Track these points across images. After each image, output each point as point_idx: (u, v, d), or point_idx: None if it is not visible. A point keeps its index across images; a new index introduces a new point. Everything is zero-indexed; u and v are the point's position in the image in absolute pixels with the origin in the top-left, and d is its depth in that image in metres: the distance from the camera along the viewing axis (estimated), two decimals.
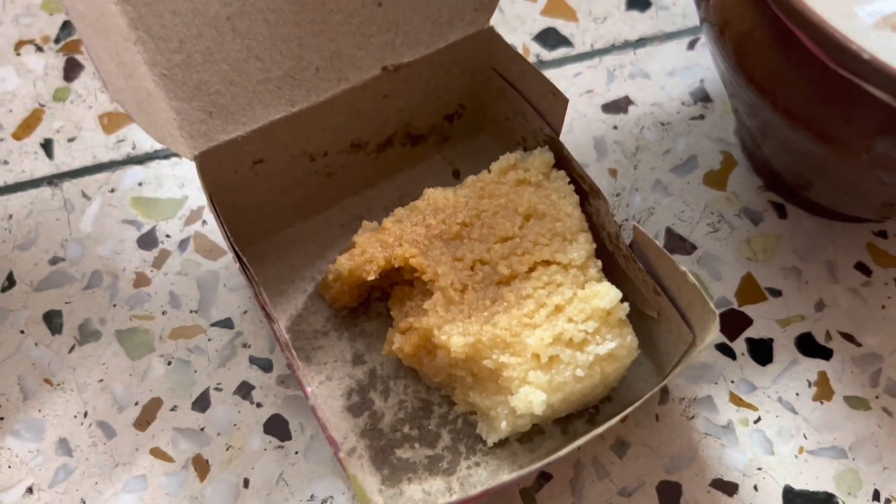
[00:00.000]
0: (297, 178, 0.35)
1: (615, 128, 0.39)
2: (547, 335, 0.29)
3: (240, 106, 0.30)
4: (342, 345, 0.34)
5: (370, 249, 0.32)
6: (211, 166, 0.31)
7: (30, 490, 0.32)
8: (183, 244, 0.37)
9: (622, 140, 0.39)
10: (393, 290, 0.34)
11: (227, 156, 0.31)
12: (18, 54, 0.42)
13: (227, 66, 0.30)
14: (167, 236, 0.37)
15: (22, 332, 0.35)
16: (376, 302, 0.35)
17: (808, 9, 0.25)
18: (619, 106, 0.40)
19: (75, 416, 0.33)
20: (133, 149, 0.39)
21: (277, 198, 0.35)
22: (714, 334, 0.27)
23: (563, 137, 0.38)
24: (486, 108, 0.38)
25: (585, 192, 0.33)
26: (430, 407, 0.33)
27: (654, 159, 0.39)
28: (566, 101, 0.31)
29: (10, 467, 0.32)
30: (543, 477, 0.32)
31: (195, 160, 0.30)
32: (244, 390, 0.34)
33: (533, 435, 0.32)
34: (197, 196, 0.38)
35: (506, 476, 0.31)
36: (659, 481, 0.32)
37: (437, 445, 0.32)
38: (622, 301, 0.30)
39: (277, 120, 0.31)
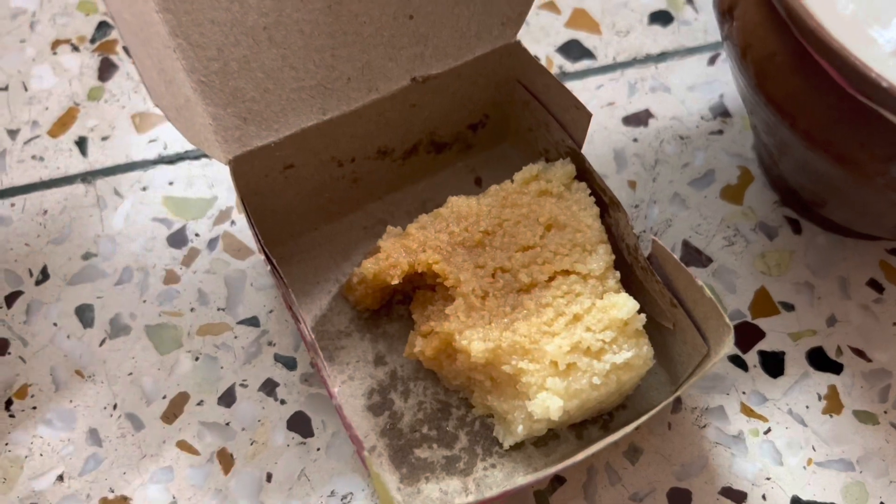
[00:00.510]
0: (325, 183, 0.36)
1: (635, 140, 0.40)
2: (565, 343, 0.30)
3: (273, 113, 0.31)
4: (364, 346, 0.35)
5: (395, 254, 0.33)
6: (244, 170, 0.32)
7: (60, 478, 0.33)
8: (212, 243, 0.38)
9: (642, 153, 0.40)
10: (415, 294, 0.35)
11: (259, 160, 0.32)
12: (55, 53, 0.43)
13: (262, 75, 0.31)
14: (196, 235, 0.38)
15: (55, 324, 0.36)
16: (398, 305, 0.36)
17: (829, 36, 0.26)
18: (639, 119, 0.41)
19: (105, 408, 0.34)
20: (165, 149, 0.40)
21: (305, 201, 0.36)
22: (729, 347, 0.28)
23: (583, 149, 0.39)
24: (509, 118, 0.38)
25: (605, 204, 0.34)
26: (449, 409, 0.34)
27: (672, 172, 0.39)
28: (589, 115, 0.32)
29: (41, 455, 0.34)
30: (557, 480, 0.33)
31: (229, 164, 0.31)
32: (269, 387, 0.35)
33: (548, 439, 0.33)
34: (226, 196, 0.39)
35: (521, 478, 0.32)
36: (669, 488, 0.33)
37: (455, 446, 0.33)
38: (639, 312, 0.31)
39: (309, 127, 0.32)
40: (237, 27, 0.30)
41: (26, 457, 0.34)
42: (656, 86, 0.42)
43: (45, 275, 0.37)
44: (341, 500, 0.33)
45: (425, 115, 0.36)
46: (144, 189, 0.39)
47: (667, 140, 0.40)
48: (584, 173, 0.34)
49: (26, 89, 0.42)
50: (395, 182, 0.38)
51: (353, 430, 0.28)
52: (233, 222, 0.38)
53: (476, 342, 0.31)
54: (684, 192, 0.39)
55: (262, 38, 0.31)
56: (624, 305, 0.31)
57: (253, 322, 0.36)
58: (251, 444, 0.34)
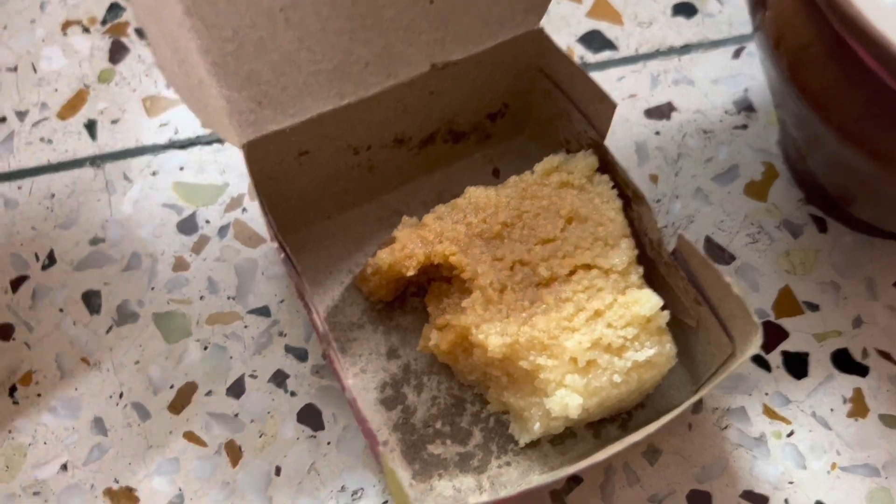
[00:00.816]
0: (340, 170, 0.35)
1: (657, 133, 0.39)
2: (585, 339, 0.29)
3: (289, 97, 0.31)
4: (377, 338, 0.34)
5: (410, 245, 0.32)
6: (258, 155, 0.31)
7: (64, 467, 0.32)
8: (223, 230, 0.37)
9: (664, 146, 0.39)
10: (430, 286, 0.34)
11: (274, 145, 0.31)
12: (65, 34, 0.42)
13: (278, 57, 0.30)
14: (207, 222, 0.37)
15: (61, 310, 0.35)
16: (412, 297, 0.35)
17: (868, 24, 0.25)
18: (661, 112, 0.40)
19: (111, 397, 0.34)
20: (175, 133, 0.39)
21: (319, 188, 0.35)
22: (756, 347, 0.27)
23: (605, 141, 0.38)
24: (529, 108, 0.38)
25: (628, 198, 0.33)
26: (463, 404, 0.33)
27: (695, 167, 0.39)
28: (614, 105, 0.31)
29: (45, 443, 0.33)
30: (574, 480, 0.32)
31: (243, 149, 0.30)
32: (279, 378, 0.34)
33: (565, 437, 0.32)
34: (237, 183, 0.38)
35: (537, 478, 0.31)
36: (689, 490, 0.32)
37: (469, 443, 0.32)
38: (662, 309, 0.30)
39: (325, 112, 0.31)
40: (253, 8, 0.29)
41: (30, 444, 0.33)
42: (679, 78, 0.41)
43: (51, 259, 0.36)
44: (352, 495, 0.32)
45: (444, 103, 0.35)
46: (154, 174, 0.38)
47: (690, 134, 0.39)
48: (607, 166, 0.33)
49: (35, 70, 0.41)
50: (410, 171, 0.37)
51: (368, 423, 0.27)
52: (244, 210, 0.37)
53: (493, 336, 0.30)
54: (707, 187, 0.38)
55: (279, 19, 0.30)
56: (647, 302, 0.30)
57: (263, 312, 0.35)
58: (260, 436, 0.33)
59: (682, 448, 0.33)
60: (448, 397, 0.33)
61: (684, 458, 0.32)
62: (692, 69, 0.41)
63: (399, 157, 0.36)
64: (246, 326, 0.35)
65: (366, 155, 0.35)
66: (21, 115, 0.40)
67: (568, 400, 0.29)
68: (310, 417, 0.33)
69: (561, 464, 0.32)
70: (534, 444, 0.32)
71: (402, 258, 0.32)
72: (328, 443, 0.33)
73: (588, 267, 0.31)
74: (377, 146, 0.35)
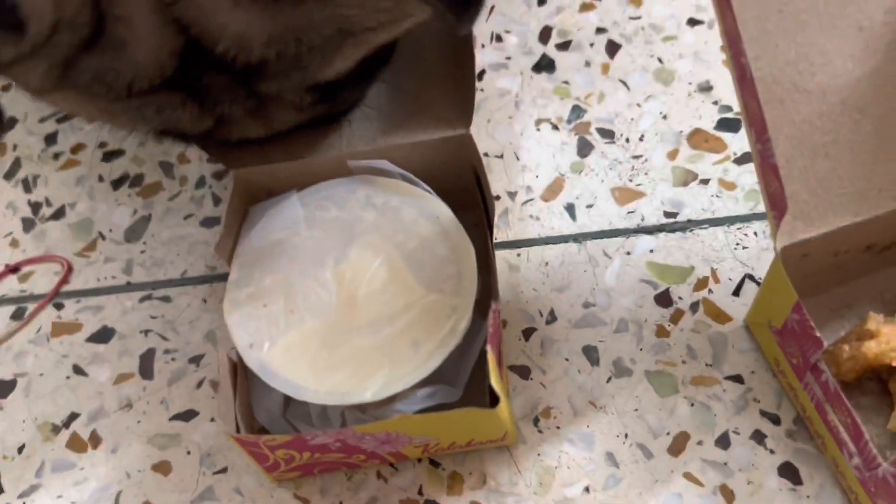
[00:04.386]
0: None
1: None
2: None
3: (818, 213, 0.38)
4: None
5: (894, 340, 0.39)
6: (788, 256, 0.38)
7: (587, 489, 0.40)
8: (693, 306, 0.45)
9: None
10: (893, 372, 0.40)
11: (802, 249, 0.39)
12: (538, 130, 0.51)
13: (815, 182, 0.37)
14: (680, 298, 0.45)
15: (566, 359, 0.44)
16: (867, 380, 0.42)
17: None
18: None
19: (617, 436, 0.42)
20: (642, 220, 0.47)
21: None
22: None
23: None
24: None
25: None
26: None
27: None
28: None
29: (568, 468, 0.41)
30: None
31: (778, 251, 0.38)
32: (758, 437, 0.41)
33: None
34: (701, 267, 0.46)
35: None
36: None
37: None
38: None
39: (841, 227, 0.39)
40: (804, 143, 0.37)
41: (556, 467, 0.41)
42: None
43: (552, 316, 0.45)
44: None
45: None
46: (628, 254, 0.47)
47: None
48: None
49: (518, 158, 0.50)
50: (862, 270, 0.44)
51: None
52: (710, 290, 0.45)
53: None
54: None
55: (820, 153, 0.37)
56: None
57: (737, 379, 0.42)
58: (748, 483, 0.40)
59: None
60: None
61: None
62: None
63: (865, 257, 0.43)
64: (724, 390, 0.42)
65: (842, 257, 0.42)
66: (511, 195, 0.49)
67: None
68: (789, 473, 0.40)
69: None
70: None
71: (887, 350, 0.39)
72: (808, 496, 0.39)
73: None
74: (853, 251, 0.42)
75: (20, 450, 0.45)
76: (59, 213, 0.52)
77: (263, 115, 0.36)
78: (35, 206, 0.53)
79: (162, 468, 0.43)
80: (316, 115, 0.38)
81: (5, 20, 0.29)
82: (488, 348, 0.36)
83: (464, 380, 0.40)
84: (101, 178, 0.53)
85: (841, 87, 0.37)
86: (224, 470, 0.43)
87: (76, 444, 0.44)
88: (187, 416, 0.45)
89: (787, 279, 0.37)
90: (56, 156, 0.55)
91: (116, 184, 0.53)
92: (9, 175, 0.55)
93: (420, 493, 0.41)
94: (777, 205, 0.36)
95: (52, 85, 0.32)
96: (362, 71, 0.35)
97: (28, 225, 0.52)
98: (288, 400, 0.41)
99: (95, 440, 0.44)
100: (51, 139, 0.56)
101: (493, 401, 0.36)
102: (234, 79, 0.33)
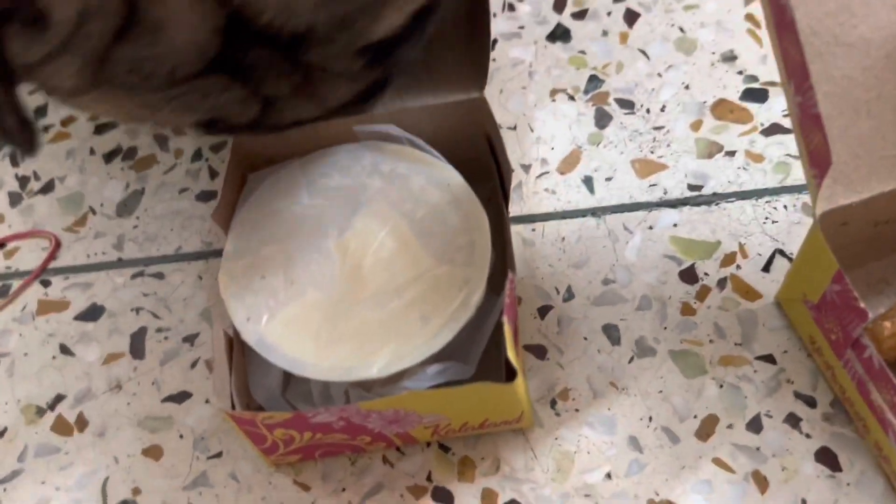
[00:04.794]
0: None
1: None
2: None
3: (860, 177, 0.35)
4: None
5: None
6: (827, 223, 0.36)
7: (608, 476, 0.38)
8: (720, 283, 0.42)
9: None
10: None
11: (844, 216, 0.36)
12: (553, 101, 0.49)
13: (856, 143, 0.35)
14: (706, 274, 0.42)
15: (585, 338, 0.41)
16: None
17: None
18: None
19: (641, 419, 0.39)
20: (665, 193, 0.45)
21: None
22: None
23: None
24: None
25: None
26: None
27: None
28: None
29: (588, 453, 0.38)
30: None
31: (817, 217, 0.35)
32: (792, 420, 0.38)
33: None
34: (728, 242, 0.43)
35: None
36: None
37: None
38: None
39: (886, 192, 0.36)
40: (845, 100, 0.34)
41: (575, 452, 0.38)
42: None
43: (570, 293, 0.42)
44: None
45: None
46: (650, 228, 0.44)
47: None
48: None
49: (532, 130, 0.48)
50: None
51: None
52: (738, 266, 0.42)
53: None
54: None
55: (863, 111, 0.34)
56: None
57: (769, 359, 0.40)
58: (782, 469, 0.37)
59: None
60: None
61: None
62: None
63: None
64: (755, 371, 0.39)
65: (885, 227, 0.39)
66: (525, 167, 0.46)
67: None
68: (826, 458, 0.37)
69: None
70: None
71: None
72: (847, 483, 0.36)
73: None
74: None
75: (2, 433, 0.42)
76: (47, 188, 0.50)
77: (313, 91, 0.32)
78: (23, 181, 0.50)
79: (153, 453, 0.40)
80: (368, 83, 0.34)
81: (25, 13, 0.26)
82: (504, 319, 0.34)
83: (476, 357, 0.37)
84: (92, 152, 0.51)
85: (885, 40, 0.34)
86: (219, 455, 0.40)
87: (62, 428, 0.42)
88: (180, 397, 0.42)
89: (827, 247, 0.35)
90: (46, 128, 0.52)
91: (108, 157, 0.51)
92: None
93: (429, 479, 0.38)
94: (819, 161, 0.34)
95: (87, 84, 0.29)
96: (413, 24, 0.32)
97: (15, 199, 0.50)
98: (288, 378, 0.39)
99: (82, 423, 0.42)
100: (40, 111, 0.53)
101: (510, 375, 0.34)
102: (278, 51, 0.30)
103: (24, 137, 0.30)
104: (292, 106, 0.32)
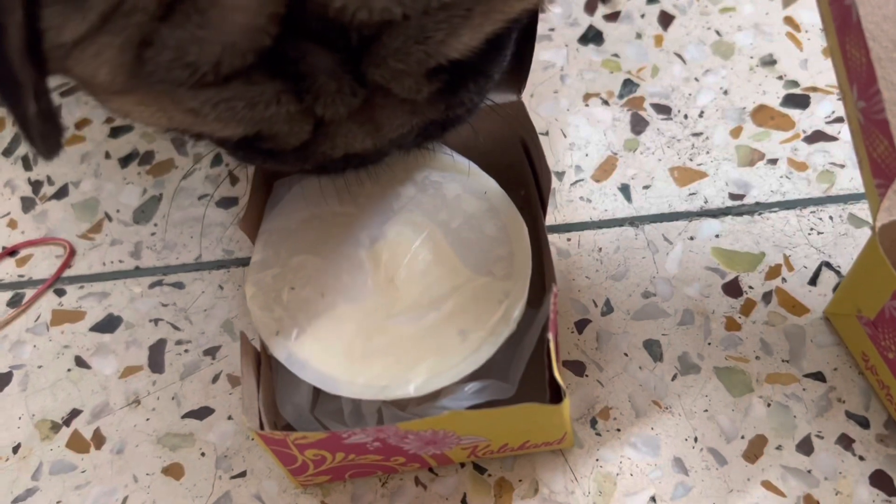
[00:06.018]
0: None
1: None
2: None
3: None
4: None
5: None
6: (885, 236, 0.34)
7: (653, 499, 0.36)
8: (766, 296, 0.40)
9: None
10: None
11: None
12: (587, 105, 0.47)
13: None
14: (750, 287, 0.40)
15: (626, 354, 0.39)
16: None
17: None
18: None
19: (686, 440, 0.37)
20: (705, 203, 0.43)
21: None
22: None
23: None
24: None
25: None
26: None
27: None
28: None
29: (631, 475, 0.36)
30: None
31: (877, 230, 0.33)
32: (844, 442, 0.36)
33: None
34: (773, 254, 0.41)
35: None
36: None
37: None
38: None
39: None
40: None
41: (617, 475, 0.37)
42: None
43: (608, 307, 0.41)
44: None
45: None
46: (691, 238, 0.42)
47: None
48: None
49: (565, 136, 0.46)
50: None
51: None
52: (783, 279, 0.41)
53: None
54: None
55: None
56: None
57: (818, 377, 0.38)
58: (836, 493, 0.35)
59: None
60: None
61: None
62: None
63: None
64: (804, 389, 0.38)
65: None
66: (559, 175, 0.45)
67: None
68: (882, 482, 0.35)
69: None
70: None
71: None
72: None
73: None
74: None
75: (15, 450, 0.40)
76: (61, 193, 0.48)
77: (370, 116, 0.30)
78: (35, 185, 0.49)
79: (173, 471, 0.39)
80: (427, 120, 0.31)
81: None
82: (549, 336, 0.32)
83: (517, 375, 0.36)
84: (108, 156, 0.49)
85: None
86: (243, 474, 0.38)
87: (78, 444, 0.40)
88: (201, 413, 0.40)
89: (887, 261, 0.33)
90: None
91: (125, 161, 0.49)
92: (7, 152, 0.50)
93: (464, 502, 0.37)
94: (884, 171, 0.32)
95: (125, 78, 0.26)
96: (486, 49, 0.28)
97: (28, 205, 0.48)
98: (317, 395, 0.37)
99: (99, 440, 0.40)
100: None
101: (555, 395, 0.32)
102: (342, 61, 0.27)
103: (44, 131, 0.27)
104: (345, 132, 0.30)
